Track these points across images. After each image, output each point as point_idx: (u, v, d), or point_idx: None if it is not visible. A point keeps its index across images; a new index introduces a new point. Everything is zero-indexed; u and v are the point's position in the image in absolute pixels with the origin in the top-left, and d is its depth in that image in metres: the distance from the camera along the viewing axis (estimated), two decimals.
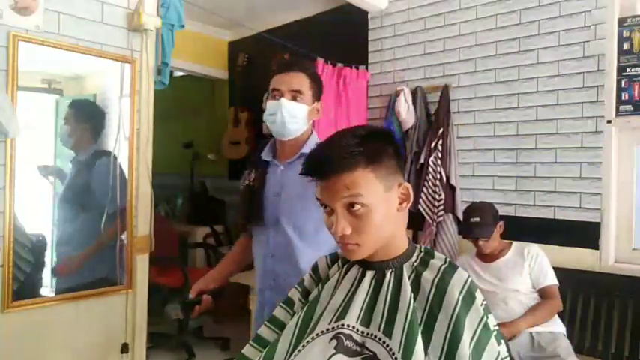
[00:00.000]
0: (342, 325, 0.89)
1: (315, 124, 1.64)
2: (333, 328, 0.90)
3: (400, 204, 0.92)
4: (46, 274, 2.20)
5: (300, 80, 1.51)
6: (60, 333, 2.10)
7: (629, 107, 2.45)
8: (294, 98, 1.49)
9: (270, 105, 1.51)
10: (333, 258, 1.06)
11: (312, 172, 0.90)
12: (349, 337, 0.88)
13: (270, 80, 1.53)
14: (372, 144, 0.88)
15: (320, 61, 3.11)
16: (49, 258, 2.22)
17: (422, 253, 0.95)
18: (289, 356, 0.92)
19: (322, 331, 0.90)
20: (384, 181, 0.88)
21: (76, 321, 2.15)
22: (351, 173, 0.85)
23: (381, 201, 0.88)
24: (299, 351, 0.90)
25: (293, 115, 1.49)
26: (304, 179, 1.31)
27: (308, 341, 0.90)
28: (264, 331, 1.05)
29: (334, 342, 0.88)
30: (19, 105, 1.97)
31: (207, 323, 3.95)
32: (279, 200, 1.52)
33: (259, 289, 1.59)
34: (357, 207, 0.86)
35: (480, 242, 2.38)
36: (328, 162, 0.86)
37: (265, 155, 1.60)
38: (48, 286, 2.20)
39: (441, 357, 0.82)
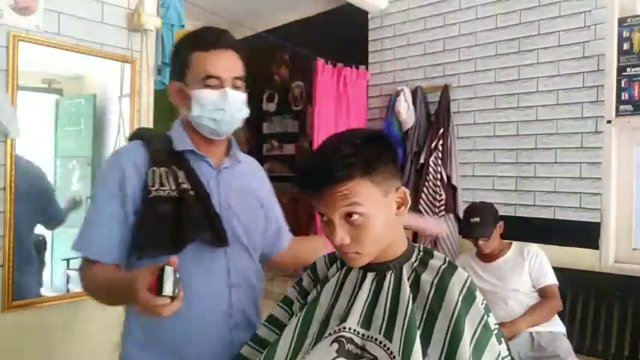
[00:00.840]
0: (344, 328, 0.89)
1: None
2: (334, 331, 0.89)
3: (398, 208, 0.91)
4: (46, 274, 2.20)
5: (240, 64, 1.18)
6: (60, 333, 2.10)
7: (629, 107, 2.45)
8: (234, 87, 1.16)
9: (211, 96, 1.13)
10: (332, 258, 1.05)
11: (308, 184, 0.87)
12: (350, 340, 0.88)
13: (188, 58, 1.14)
14: (367, 150, 0.86)
15: (320, 61, 3.11)
16: (49, 258, 2.22)
17: (421, 254, 0.95)
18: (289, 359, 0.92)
19: (325, 336, 0.90)
20: (382, 187, 0.87)
21: (76, 321, 2.15)
22: (347, 183, 0.83)
23: (380, 208, 0.86)
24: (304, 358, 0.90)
25: (240, 110, 1.17)
26: (247, 188, 1.23)
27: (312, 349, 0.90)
28: (263, 331, 1.05)
29: (335, 345, 0.87)
30: (19, 105, 1.97)
31: None
32: (232, 214, 1.18)
33: (208, 331, 1.13)
34: (355, 217, 0.84)
35: (480, 242, 2.38)
36: (323, 172, 0.84)
37: (184, 145, 1.18)
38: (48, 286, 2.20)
39: (441, 357, 0.82)
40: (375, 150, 0.87)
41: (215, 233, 1.12)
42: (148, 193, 1.09)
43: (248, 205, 1.24)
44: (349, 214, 0.85)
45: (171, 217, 1.09)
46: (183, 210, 1.09)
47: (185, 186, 1.11)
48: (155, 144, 1.16)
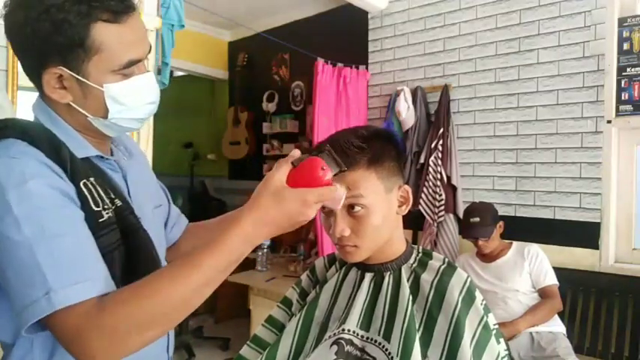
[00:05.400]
0: (343, 329, 0.89)
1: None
2: (334, 333, 0.89)
3: (399, 206, 0.91)
4: None
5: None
6: None
7: (629, 107, 2.45)
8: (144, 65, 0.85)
9: (138, 91, 0.82)
10: (331, 259, 1.05)
11: None
12: (349, 342, 0.88)
13: (87, 33, 0.74)
14: (374, 144, 0.87)
15: (320, 61, 3.11)
16: None
17: (420, 255, 0.95)
18: None
19: (325, 339, 0.90)
20: (385, 182, 0.87)
21: None
22: (352, 172, 0.84)
23: (381, 202, 0.87)
24: None
25: None
26: (146, 183, 0.98)
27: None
28: (262, 332, 1.05)
29: (335, 347, 0.87)
30: (19, 105, 1.97)
31: (207, 323, 3.95)
32: (152, 224, 0.92)
33: None
34: (357, 208, 0.85)
35: (480, 242, 2.38)
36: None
37: (89, 151, 0.84)
38: None
39: (441, 358, 0.82)
40: (382, 145, 0.88)
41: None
42: (97, 217, 0.76)
43: (155, 214, 0.97)
44: (352, 206, 0.86)
45: (121, 254, 0.79)
46: (135, 248, 0.82)
47: (118, 202, 0.81)
48: (47, 146, 0.76)
